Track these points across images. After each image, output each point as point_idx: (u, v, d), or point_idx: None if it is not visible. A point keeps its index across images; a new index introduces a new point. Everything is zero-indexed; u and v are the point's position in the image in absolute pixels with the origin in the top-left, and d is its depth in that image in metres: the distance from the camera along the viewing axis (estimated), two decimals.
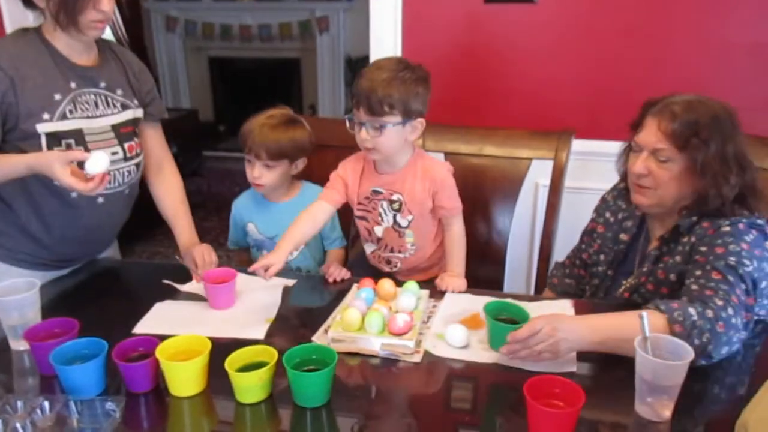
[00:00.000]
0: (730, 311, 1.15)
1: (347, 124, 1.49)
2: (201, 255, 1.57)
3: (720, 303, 1.16)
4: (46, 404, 1.02)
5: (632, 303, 1.36)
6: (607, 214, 1.54)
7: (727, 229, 1.25)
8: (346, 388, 1.14)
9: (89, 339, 1.13)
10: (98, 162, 1.31)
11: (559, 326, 1.14)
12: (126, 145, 1.55)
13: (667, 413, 1.04)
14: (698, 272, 1.23)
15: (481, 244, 1.87)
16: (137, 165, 1.60)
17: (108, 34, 5.55)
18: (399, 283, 1.44)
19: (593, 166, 2.21)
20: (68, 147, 1.43)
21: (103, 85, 1.52)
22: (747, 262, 1.20)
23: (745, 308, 1.18)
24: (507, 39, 2.23)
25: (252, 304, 1.45)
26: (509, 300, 1.32)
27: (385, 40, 2.33)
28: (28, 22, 2.21)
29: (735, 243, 1.23)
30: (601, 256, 1.52)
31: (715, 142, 1.25)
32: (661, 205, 1.36)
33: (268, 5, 5.74)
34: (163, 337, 1.16)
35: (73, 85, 1.45)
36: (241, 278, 1.49)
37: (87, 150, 1.43)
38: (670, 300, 1.19)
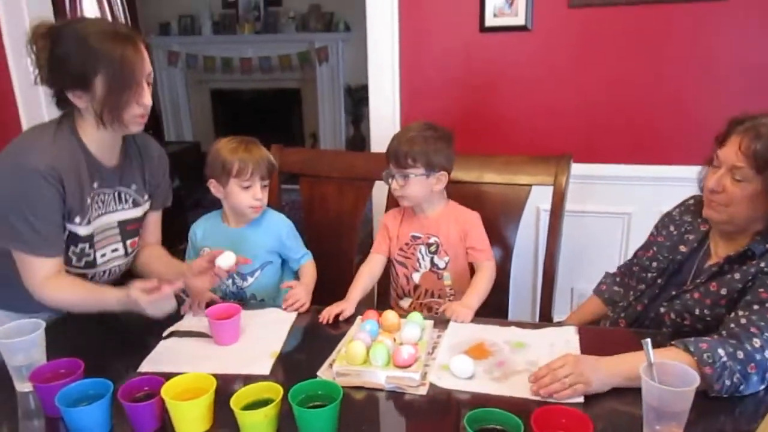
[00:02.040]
0: (767, 354, 1.14)
1: (384, 178, 1.71)
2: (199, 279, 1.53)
3: (758, 344, 1.14)
4: None
5: (645, 334, 1.34)
6: (671, 227, 1.53)
7: None
8: (353, 423, 1.13)
9: (94, 380, 1.13)
10: (226, 259, 1.46)
11: (581, 359, 1.18)
12: (128, 242, 1.57)
13: None
14: (755, 306, 1.20)
15: None
16: (134, 257, 1.62)
17: None
18: (402, 315, 1.45)
19: (592, 189, 2.23)
20: (82, 251, 1.46)
21: (120, 182, 1.52)
22: None
23: None
24: (503, 67, 2.26)
25: (257, 338, 1.44)
26: (495, 409, 1.04)
27: (383, 70, 2.37)
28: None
29: None
30: (654, 263, 1.51)
31: None
32: (731, 222, 1.33)
33: (268, 38, 5.82)
34: (168, 375, 1.15)
35: (95, 185, 1.45)
36: (246, 312, 1.49)
37: (93, 248, 1.48)
38: (698, 339, 1.17)
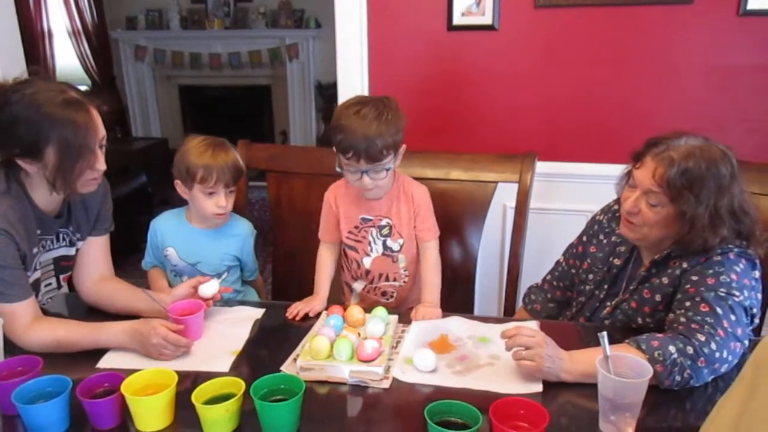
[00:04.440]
0: (713, 346, 1.17)
1: (347, 176, 1.56)
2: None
3: (703, 338, 1.18)
4: None
5: (602, 328, 1.38)
6: (601, 236, 1.55)
7: (718, 258, 1.27)
8: (316, 417, 1.14)
9: (52, 377, 1.12)
10: (210, 287, 1.48)
11: (550, 344, 1.20)
12: (61, 277, 1.55)
13: (630, 430, 1.06)
14: (687, 303, 1.25)
15: (450, 268, 1.89)
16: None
17: (76, 65, 5.56)
18: (367, 310, 1.45)
19: (556, 187, 2.27)
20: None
21: (60, 226, 1.49)
22: (737, 292, 1.23)
23: (735, 338, 1.20)
24: (470, 66, 2.28)
25: (218, 336, 1.44)
26: (456, 401, 1.06)
27: (352, 67, 2.37)
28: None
29: (725, 273, 1.25)
30: (590, 276, 1.54)
31: (709, 197, 1.24)
32: (645, 241, 1.38)
33: (238, 33, 5.76)
34: (128, 372, 1.15)
35: (39, 232, 1.43)
36: (211, 310, 1.49)
37: (38, 287, 1.47)
38: (650, 336, 1.21)
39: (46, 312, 1.44)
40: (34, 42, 4.86)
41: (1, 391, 1.12)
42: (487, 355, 1.33)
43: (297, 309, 1.53)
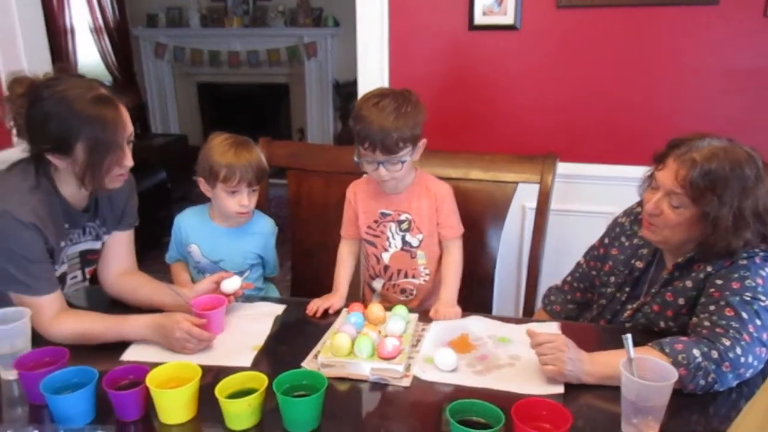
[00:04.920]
0: (738, 351, 1.16)
1: (364, 167, 1.58)
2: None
3: (728, 343, 1.17)
4: None
5: (624, 330, 1.37)
6: (623, 239, 1.54)
7: (744, 262, 1.26)
8: (336, 413, 1.15)
9: (79, 368, 1.13)
10: (232, 283, 1.49)
11: (571, 346, 1.20)
12: (87, 270, 1.57)
13: None
14: (712, 307, 1.24)
15: (469, 268, 1.89)
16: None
17: (97, 62, 5.62)
18: (388, 308, 1.46)
19: (577, 189, 2.26)
20: None
21: (87, 219, 1.51)
22: (763, 297, 1.21)
23: (761, 343, 1.19)
24: (491, 65, 2.28)
25: (240, 331, 1.45)
26: (478, 400, 1.06)
27: (372, 66, 2.37)
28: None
29: (751, 278, 1.23)
30: (612, 278, 1.53)
31: (732, 198, 1.22)
32: (667, 243, 1.37)
33: (257, 32, 5.79)
34: (151, 365, 1.16)
35: (66, 226, 1.45)
36: (232, 306, 1.50)
37: (64, 281, 1.49)
38: (674, 339, 1.20)
39: (71, 305, 1.46)
40: (57, 38, 4.92)
41: (29, 381, 1.14)
42: (507, 356, 1.33)
43: (316, 306, 1.54)
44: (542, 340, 1.22)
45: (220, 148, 1.65)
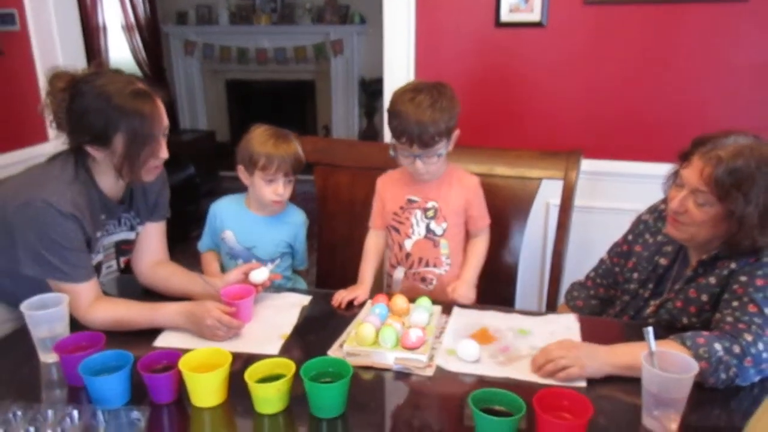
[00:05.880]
0: (761, 346, 1.17)
1: (400, 160, 1.61)
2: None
3: (750, 338, 1.18)
4: (75, 413, 1.07)
5: (646, 325, 1.38)
6: (647, 236, 1.54)
7: None
8: (361, 401, 1.18)
9: (116, 351, 1.19)
10: (260, 274, 1.53)
11: (581, 345, 1.22)
12: (121, 260, 1.62)
13: (674, 426, 1.06)
14: (735, 303, 1.24)
15: (492, 263, 1.90)
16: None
17: (128, 58, 5.73)
18: (411, 300, 1.49)
19: (602, 185, 2.26)
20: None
21: (123, 210, 1.56)
22: None
23: None
24: (517, 62, 2.29)
25: (268, 320, 1.49)
26: (500, 389, 1.08)
27: (399, 63, 2.40)
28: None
29: None
30: (635, 275, 1.54)
31: (758, 196, 1.22)
32: (692, 241, 1.37)
33: (284, 29, 5.86)
34: (183, 351, 1.20)
35: (103, 217, 1.50)
36: (260, 296, 1.54)
37: (99, 270, 1.53)
38: (696, 333, 1.21)
39: (105, 293, 1.52)
40: (90, 36, 5.04)
41: (68, 363, 1.19)
42: (527, 347, 1.35)
43: (341, 296, 1.57)
44: (548, 350, 1.24)
45: (260, 137, 1.71)
